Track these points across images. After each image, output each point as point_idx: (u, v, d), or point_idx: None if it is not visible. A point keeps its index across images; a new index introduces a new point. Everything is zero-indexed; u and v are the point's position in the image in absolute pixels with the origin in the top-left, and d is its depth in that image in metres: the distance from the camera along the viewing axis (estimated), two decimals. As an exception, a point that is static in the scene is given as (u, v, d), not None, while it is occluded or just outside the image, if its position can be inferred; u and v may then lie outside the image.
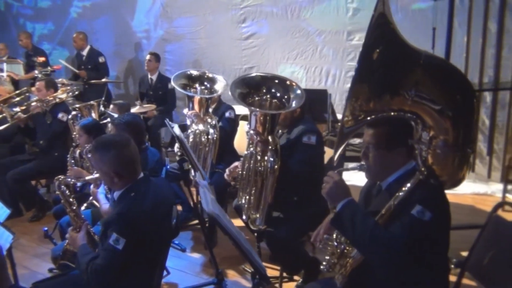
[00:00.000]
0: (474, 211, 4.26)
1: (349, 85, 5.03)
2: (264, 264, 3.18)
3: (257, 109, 2.70)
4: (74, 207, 2.32)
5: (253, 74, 2.90)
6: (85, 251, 2.14)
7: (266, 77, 2.87)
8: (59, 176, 2.36)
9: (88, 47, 6.41)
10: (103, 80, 5.99)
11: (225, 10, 6.00)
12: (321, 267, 1.99)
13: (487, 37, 3.52)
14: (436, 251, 1.76)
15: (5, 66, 6.40)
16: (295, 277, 3.19)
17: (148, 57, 5.85)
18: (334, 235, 1.98)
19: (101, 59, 6.32)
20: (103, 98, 5.26)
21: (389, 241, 1.63)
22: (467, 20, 3.47)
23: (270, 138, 2.74)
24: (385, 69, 1.51)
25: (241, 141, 4.16)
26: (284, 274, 3.14)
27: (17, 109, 4.36)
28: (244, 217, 2.99)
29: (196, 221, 4.06)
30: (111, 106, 4.47)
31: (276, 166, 2.69)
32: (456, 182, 1.67)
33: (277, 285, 3.13)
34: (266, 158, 2.72)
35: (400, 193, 1.72)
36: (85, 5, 7.38)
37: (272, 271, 3.25)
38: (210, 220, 1.77)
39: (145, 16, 6.85)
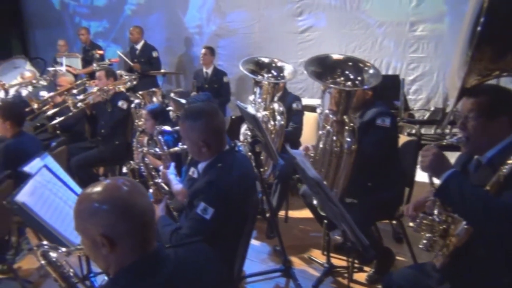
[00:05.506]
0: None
1: (411, 77, 4.99)
2: (332, 254, 3.13)
3: (333, 86, 2.61)
4: (156, 180, 2.29)
5: (326, 55, 2.82)
6: (165, 222, 2.11)
7: (339, 59, 2.80)
8: (143, 148, 2.34)
9: (142, 41, 6.55)
10: (162, 71, 6.06)
11: (280, 4, 5.97)
12: (420, 246, 1.88)
13: None
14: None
15: (64, 60, 6.61)
16: (365, 268, 3.08)
17: (203, 51, 5.90)
18: (436, 212, 1.86)
19: (154, 54, 6.43)
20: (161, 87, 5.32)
21: (505, 210, 1.51)
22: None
23: (345, 118, 2.65)
24: (507, 30, 1.41)
25: (304, 132, 4.07)
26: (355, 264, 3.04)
27: (81, 96, 4.44)
28: (314, 202, 2.90)
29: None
30: (172, 94, 4.49)
31: (353, 147, 2.59)
32: None
33: (346, 275, 3.03)
34: (341, 138, 2.63)
35: (508, 165, 1.60)
36: (140, 3, 7.52)
37: (340, 261, 3.15)
38: (313, 185, 1.69)
39: (197, 12, 6.90)
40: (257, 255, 3.37)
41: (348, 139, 2.60)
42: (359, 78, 2.74)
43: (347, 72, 2.76)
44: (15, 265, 3.16)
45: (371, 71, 2.70)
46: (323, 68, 2.77)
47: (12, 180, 2.63)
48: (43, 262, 1.38)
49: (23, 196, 1.92)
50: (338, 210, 1.61)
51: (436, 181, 1.77)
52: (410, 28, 5.05)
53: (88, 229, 1.15)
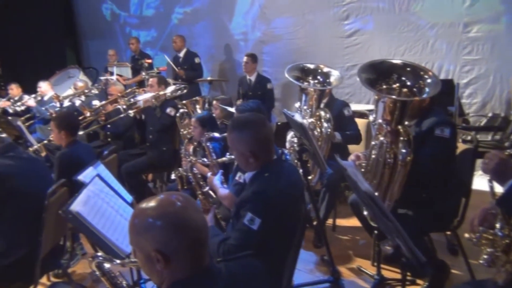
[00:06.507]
0: None
1: (464, 80, 4.75)
2: (383, 266, 3.03)
3: (388, 96, 2.51)
4: (204, 190, 2.30)
5: (382, 60, 2.72)
6: (214, 232, 2.10)
7: (396, 64, 2.67)
8: (192, 158, 2.36)
9: (185, 49, 6.68)
10: (208, 78, 6.13)
11: (326, 8, 5.88)
12: (481, 261, 1.77)
13: None
14: None
15: (115, 69, 6.85)
16: (418, 281, 2.95)
17: (245, 59, 5.90)
18: (498, 225, 1.74)
19: (196, 60, 6.54)
20: (207, 95, 5.38)
21: None
22: None
23: (400, 128, 2.54)
24: None
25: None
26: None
27: (139, 97, 4.59)
28: (365, 212, 2.82)
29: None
30: (214, 102, 4.55)
31: (408, 158, 2.48)
32: None
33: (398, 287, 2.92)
34: (396, 149, 2.53)
35: None
36: (186, 11, 7.67)
37: (391, 273, 3.04)
38: (366, 198, 1.63)
39: (243, 18, 6.94)
40: (305, 264, 3.31)
41: (403, 150, 2.48)
42: (416, 85, 2.59)
43: (403, 78, 2.62)
44: (69, 270, 3.28)
45: (430, 79, 2.55)
46: (378, 73, 2.66)
47: (67, 188, 2.72)
48: (98, 273, 1.41)
49: (77, 205, 1.98)
50: (393, 225, 1.55)
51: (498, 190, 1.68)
52: (463, 29, 4.81)
53: (142, 244, 1.15)
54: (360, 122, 4.13)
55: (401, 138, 2.51)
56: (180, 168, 3.41)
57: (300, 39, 6.29)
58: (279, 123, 5.20)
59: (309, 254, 3.49)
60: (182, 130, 4.34)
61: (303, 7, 6.13)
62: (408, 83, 2.62)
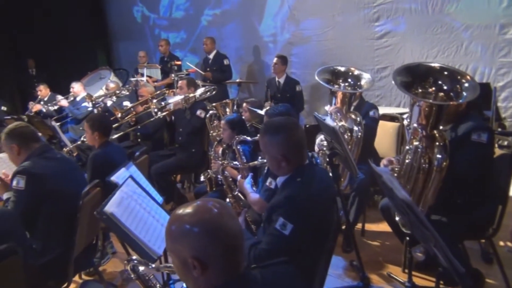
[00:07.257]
0: None
1: (500, 83, 4.61)
2: (415, 272, 2.96)
3: (424, 99, 2.46)
4: (235, 193, 2.30)
5: (418, 63, 2.66)
6: (245, 236, 2.10)
7: (433, 67, 2.62)
8: (224, 161, 2.37)
9: (215, 51, 6.74)
10: (237, 80, 6.15)
11: (356, 9, 5.81)
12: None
13: None
14: None
15: (145, 70, 6.95)
16: (452, 290, 2.88)
17: (274, 60, 5.87)
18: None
19: (225, 62, 6.59)
20: (236, 97, 5.39)
21: None
22: None
23: (436, 132, 2.48)
24: None
25: (382, 142, 3.91)
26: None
27: (169, 100, 4.65)
28: (397, 218, 2.76)
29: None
30: (244, 104, 4.55)
31: (444, 164, 2.42)
32: None
33: (431, 296, 2.85)
34: (431, 154, 2.47)
35: None
36: (216, 13, 7.71)
37: (423, 281, 2.98)
38: (402, 206, 1.59)
39: (272, 20, 6.93)
40: (333, 269, 3.26)
41: (439, 156, 2.42)
42: (453, 90, 2.53)
43: (440, 82, 2.57)
44: (100, 268, 3.34)
45: (467, 83, 2.49)
46: (413, 77, 2.61)
47: (100, 188, 2.77)
48: (132, 276, 1.42)
49: (111, 206, 2.01)
50: (431, 234, 1.51)
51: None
52: (500, 31, 4.66)
53: (179, 250, 1.15)
54: (391, 126, 4.06)
55: (437, 143, 2.46)
56: (209, 170, 3.42)
57: (329, 41, 6.23)
58: (307, 125, 5.16)
59: (338, 258, 3.45)
60: (211, 132, 4.36)
61: (332, 9, 6.08)
62: (445, 87, 2.56)
